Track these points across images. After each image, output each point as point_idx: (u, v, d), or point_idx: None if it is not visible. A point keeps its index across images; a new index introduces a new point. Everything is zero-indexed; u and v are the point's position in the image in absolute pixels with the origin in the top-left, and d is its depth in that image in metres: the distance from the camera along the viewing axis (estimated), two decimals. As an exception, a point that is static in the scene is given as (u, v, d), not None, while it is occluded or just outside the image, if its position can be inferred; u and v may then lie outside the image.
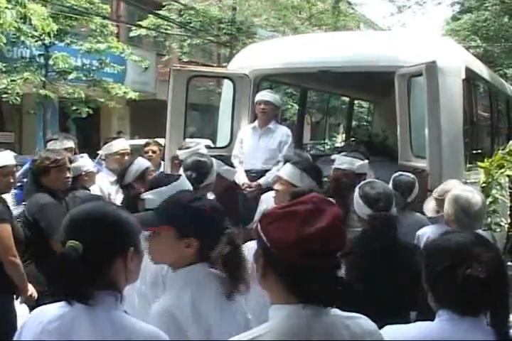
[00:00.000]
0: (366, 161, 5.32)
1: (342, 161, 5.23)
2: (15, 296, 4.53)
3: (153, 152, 7.16)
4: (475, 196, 3.91)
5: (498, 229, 5.95)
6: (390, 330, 2.04)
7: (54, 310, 1.98)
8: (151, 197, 3.20)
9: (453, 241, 2.07)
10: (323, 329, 1.71)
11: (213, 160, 4.60)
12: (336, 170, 5.16)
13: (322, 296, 1.71)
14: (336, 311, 1.77)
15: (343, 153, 6.72)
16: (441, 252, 2.05)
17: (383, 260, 3.34)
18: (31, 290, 4.49)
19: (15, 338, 2.05)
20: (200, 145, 6.02)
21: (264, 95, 6.76)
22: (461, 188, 4.04)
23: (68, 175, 4.83)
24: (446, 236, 2.15)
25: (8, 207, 4.57)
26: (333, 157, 5.79)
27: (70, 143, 5.82)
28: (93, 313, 1.93)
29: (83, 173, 5.49)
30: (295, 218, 1.70)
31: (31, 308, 4.33)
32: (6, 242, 4.31)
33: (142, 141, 9.24)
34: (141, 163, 4.81)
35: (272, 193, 4.85)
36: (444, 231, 2.34)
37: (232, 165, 5.33)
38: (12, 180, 4.57)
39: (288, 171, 4.31)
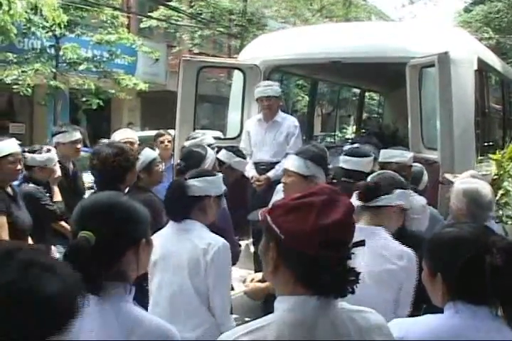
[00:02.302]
0: (412, 154, 5.28)
1: (391, 154, 5.17)
2: None
3: (169, 141, 7.17)
4: (484, 186, 3.88)
5: (510, 222, 5.93)
6: (397, 324, 2.02)
7: None
8: (197, 184, 3.33)
9: (466, 231, 2.06)
10: (328, 321, 1.68)
11: (210, 151, 4.54)
12: (388, 164, 5.03)
13: (335, 287, 1.69)
14: (343, 304, 1.75)
15: (355, 145, 6.71)
16: (459, 242, 2.03)
17: None
18: None
19: None
20: (205, 135, 5.99)
21: (264, 90, 6.52)
22: (465, 181, 4.00)
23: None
24: (453, 227, 2.14)
25: (10, 196, 4.51)
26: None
27: (79, 135, 5.77)
28: (101, 304, 1.92)
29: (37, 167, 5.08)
30: (311, 209, 1.67)
31: None
32: None
33: (153, 132, 9.24)
34: (147, 153, 4.78)
35: None
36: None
37: (243, 157, 5.32)
38: (19, 167, 4.53)
39: (293, 162, 4.29)
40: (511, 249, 1.96)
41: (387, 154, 5.22)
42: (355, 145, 6.71)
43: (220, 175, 3.53)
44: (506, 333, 1.93)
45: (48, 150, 5.10)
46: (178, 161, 4.55)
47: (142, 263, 2.04)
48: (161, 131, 7.49)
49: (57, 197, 5.06)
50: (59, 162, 5.30)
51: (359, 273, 1.70)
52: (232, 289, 4.42)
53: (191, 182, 3.34)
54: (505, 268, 1.91)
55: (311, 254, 1.64)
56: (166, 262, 3.29)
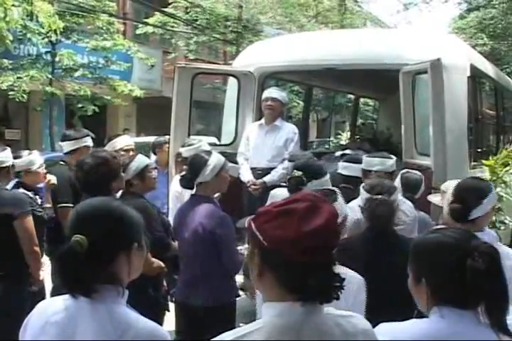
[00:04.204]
0: (394, 159, 5.33)
1: (374, 163, 5.22)
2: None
3: None
4: None
5: (503, 227, 5.96)
6: (384, 329, 2.04)
7: (58, 302, 2.02)
8: None
9: (449, 236, 2.08)
10: (315, 327, 1.71)
11: (216, 157, 4.44)
12: (366, 172, 5.15)
13: (320, 292, 1.71)
14: (329, 310, 1.77)
15: (347, 151, 6.76)
16: (442, 247, 2.06)
17: (378, 246, 3.38)
18: (42, 275, 4.65)
19: (21, 329, 2.09)
20: (202, 142, 6.02)
21: (271, 92, 6.75)
22: None
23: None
24: (437, 233, 2.16)
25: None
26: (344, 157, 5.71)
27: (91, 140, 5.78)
28: (94, 307, 1.95)
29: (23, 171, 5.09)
30: (293, 216, 1.70)
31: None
32: (31, 234, 4.46)
33: (148, 138, 9.24)
34: (141, 160, 4.78)
35: (281, 189, 4.86)
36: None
37: (235, 162, 5.36)
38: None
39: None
40: (493, 253, 1.99)
41: (367, 162, 5.29)
42: (347, 151, 6.77)
43: (341, 199, 3.27)
44: (490, 337, 1.95)
45: (29, 154, 5.08)
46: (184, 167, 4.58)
47: (134, 267, 2.06)
48: (167, 138, 7.39)
49: (48, 203, 5.11)
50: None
51: (343, 278, 1.73)
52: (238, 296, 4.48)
53: None
54: (488, 271, 1.94)
55: (293, 260, 1.67)
56: None
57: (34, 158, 5.09)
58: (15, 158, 5.00)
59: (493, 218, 5.92)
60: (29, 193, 4.94)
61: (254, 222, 1.76)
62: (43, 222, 4.80)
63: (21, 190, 4.91)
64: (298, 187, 4.27)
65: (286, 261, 1.68)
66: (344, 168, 5.36)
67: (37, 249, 4.49)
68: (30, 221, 4.46)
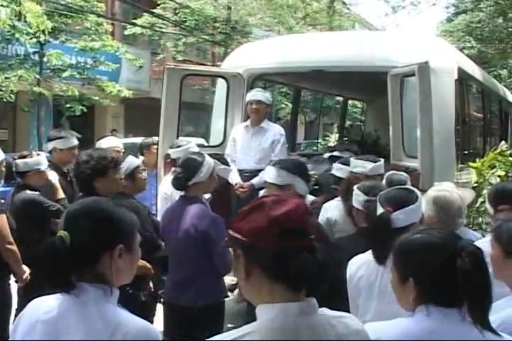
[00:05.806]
0: (379, 163, 5.37)
1: (355, 165, 5.33)
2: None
3: None
4: (452, 194, 3.96)
5: (489, 229, 6.00)
6: (370, 328, 2.06)
7: (50, 301, 2.03)
8: (402, 217, 3.13)
9: (436, 237, 2.12)
10: (309, 329, 1.72)
11: (208, 159, 4.48)
12: (349, 173, 5.25)
13: (308, 277, 1.72)
14: (323, 310, 1.79)
15: (335, 152, 6.78)
16: (431, 247, 2.09)
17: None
18: (26, 272, 4.68)
19: (13, 327, 2.10)
20: (191, 143, 6.03)
21: (255, 94, 6.71)
22: (436, 189, 4.08)
23: (122, 176, 4.48)
24: (422, 233, 2.19)
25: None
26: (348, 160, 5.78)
27: (76, 141, 5.79)
28: (84, 305, 1.96)
29: (32, 171, 5.18)
30: (262, 208, 1.76)
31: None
32: (3, 231, 4.48)
33: (136, 139, 9.21)
34: (131, 161, 4.78)
35: None
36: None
37: (227, 164, 5.38)
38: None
39: (270, 173, 4.31)
40: (479, 253, 2.03)
41: (352, 163, 5.37)
42: (335, 153, 6.80)
43: (420, 198, 3.29)
44: (475, 334, 1.99)
45: (38, 154, 5.25)
46: (176, 169, 4.57)
47: (119, 270, 2.04)
48: (154, 139, 7.37)
49: (61, 194, 5.15)
50: (56, 167, 5.41)
51: (327, 266, 1.75)
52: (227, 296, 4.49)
53: (396, 215, 3.13)
54: (475, 271, 1.99)
55: (273, 248, 1.70)
56: (371, 291, 3.15)
57: (44, 159, 5.16)
58: (23, 157, 5.11)
59: (479, 220, 5.98)
60: (37, 193, 5.02)
61: (230, 226, 1.81)
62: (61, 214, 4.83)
63: (28, 192, 5.00)
64: None
65: (268, 250, 1.71)
66: (337, 170, 5.40)
67: (10, 246, 4.51)
68: (3, 218, 4.49)
